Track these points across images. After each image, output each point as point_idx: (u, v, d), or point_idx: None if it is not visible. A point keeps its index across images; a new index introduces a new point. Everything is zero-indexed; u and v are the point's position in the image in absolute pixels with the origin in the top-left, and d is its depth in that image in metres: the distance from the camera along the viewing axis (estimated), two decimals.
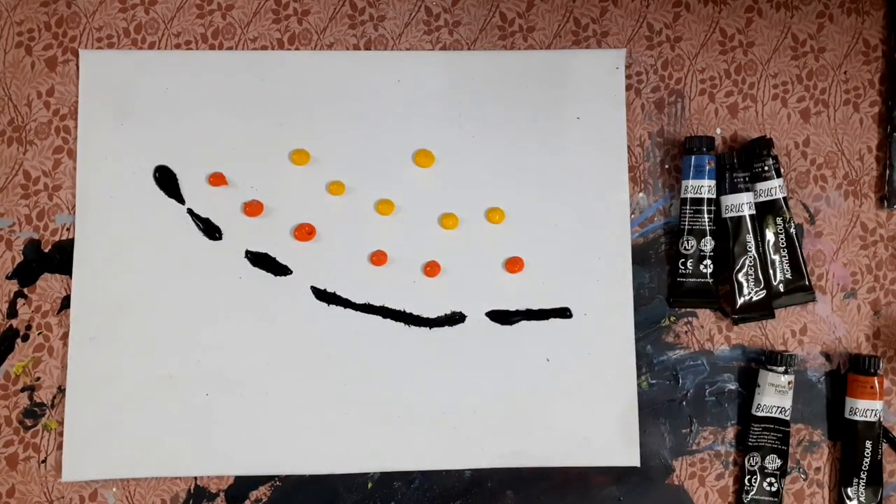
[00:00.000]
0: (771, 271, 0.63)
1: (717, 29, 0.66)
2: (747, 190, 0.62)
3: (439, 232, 0.63)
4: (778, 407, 0.61)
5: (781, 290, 0.63)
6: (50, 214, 0.63)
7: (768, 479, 0.62)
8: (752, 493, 0.62)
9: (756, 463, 0.62)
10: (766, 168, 0.62)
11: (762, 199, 0.63)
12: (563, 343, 0.63)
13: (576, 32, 0.65)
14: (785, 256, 0.63)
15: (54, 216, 0.63)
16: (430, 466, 0.62)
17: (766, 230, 0.63)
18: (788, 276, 0.63)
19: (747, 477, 0.62)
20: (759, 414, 0.61)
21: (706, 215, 0.62)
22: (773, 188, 0.62)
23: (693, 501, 0.63)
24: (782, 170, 0.64)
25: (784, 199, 0.62)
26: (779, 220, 0.63)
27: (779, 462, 0.62)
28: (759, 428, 0.62)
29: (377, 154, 0.64)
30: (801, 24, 0.66)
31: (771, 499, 0.62)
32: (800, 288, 0.63)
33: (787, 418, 0.62)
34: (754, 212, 0.62)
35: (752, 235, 0.62)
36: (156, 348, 0.61)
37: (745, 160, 0.63)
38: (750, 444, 0.61)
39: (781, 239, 0.63)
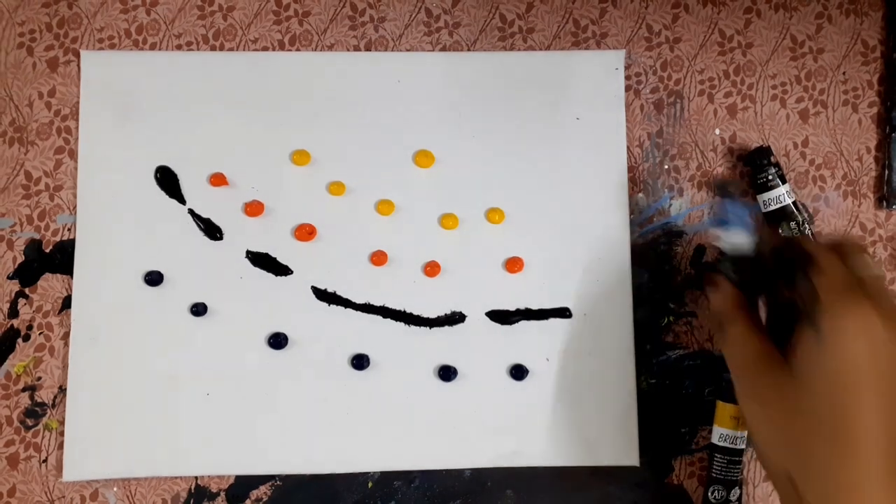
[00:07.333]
0: None
1: (716, 30, 0.66)
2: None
3: (439, 232, 0.63)
4: None
5: None
6: (51, 215, 0.63)
7: None
8: None
9: None
10: (769, 177, 0.62)
11: (771, 207, 0.62)
12: (563, 343, 0.63)
13: (575, 34, 0.65)
14: None
15: (55, 216, 0.63)
16: (430, 466, 0.62)
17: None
18: None
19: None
20: None
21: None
22: (780, 195, 0.62)
23: (692, 501, 0.63)
24: (786, 174, 0.64)
25: (794, 202, 0.62)
26: (793, 224, 0.63)
27: None
28: None
29: (377, 154, 0.64)
30: (800, 25, 0.66)
31: None
32: None
33: None
34: None
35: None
36: (156, 348, 0.62)
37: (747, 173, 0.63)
38: None
39: None
